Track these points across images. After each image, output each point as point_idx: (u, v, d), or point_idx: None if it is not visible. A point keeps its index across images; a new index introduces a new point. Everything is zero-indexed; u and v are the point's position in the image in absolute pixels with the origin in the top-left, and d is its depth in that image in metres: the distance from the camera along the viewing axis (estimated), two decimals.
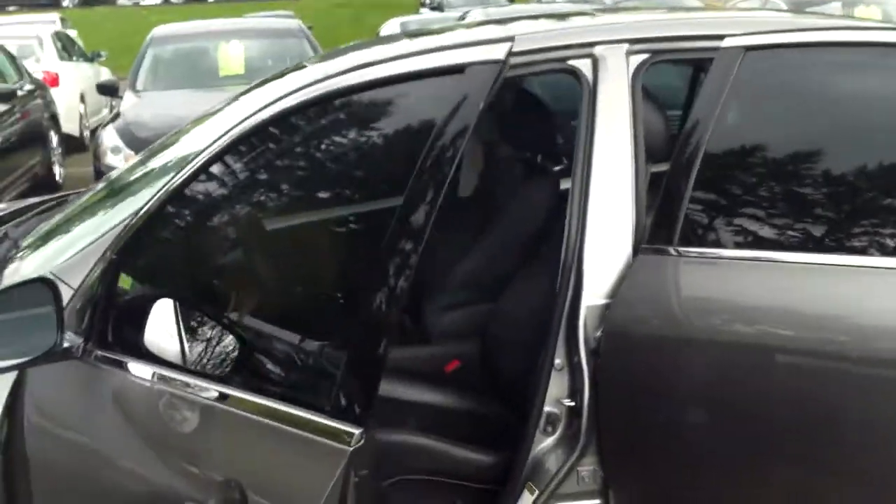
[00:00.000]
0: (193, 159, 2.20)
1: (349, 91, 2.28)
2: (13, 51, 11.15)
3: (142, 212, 2.13)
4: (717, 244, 2.22)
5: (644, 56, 2.33)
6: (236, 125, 2.23)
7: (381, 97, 2.31)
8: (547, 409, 2.33)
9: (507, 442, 2.49)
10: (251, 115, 2.25)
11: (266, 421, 2.04)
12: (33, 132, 9.37)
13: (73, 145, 11.38)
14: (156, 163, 2.49)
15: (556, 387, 2.32)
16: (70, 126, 11.54)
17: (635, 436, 2.23)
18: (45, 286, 1.91)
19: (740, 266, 2.18)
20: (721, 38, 2.27)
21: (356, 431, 2.03)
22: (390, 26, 12.72)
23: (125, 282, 2.12)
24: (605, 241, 2.26)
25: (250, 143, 2.27)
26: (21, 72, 9.91)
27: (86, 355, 2.02)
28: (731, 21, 2.43)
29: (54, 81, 11.65)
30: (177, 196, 2.18)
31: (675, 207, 2.21)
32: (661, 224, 2.23)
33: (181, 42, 8.72)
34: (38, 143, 9.49)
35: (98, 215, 2.36)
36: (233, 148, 2.23)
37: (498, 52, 2.21)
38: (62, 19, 18.49)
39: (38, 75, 11.20)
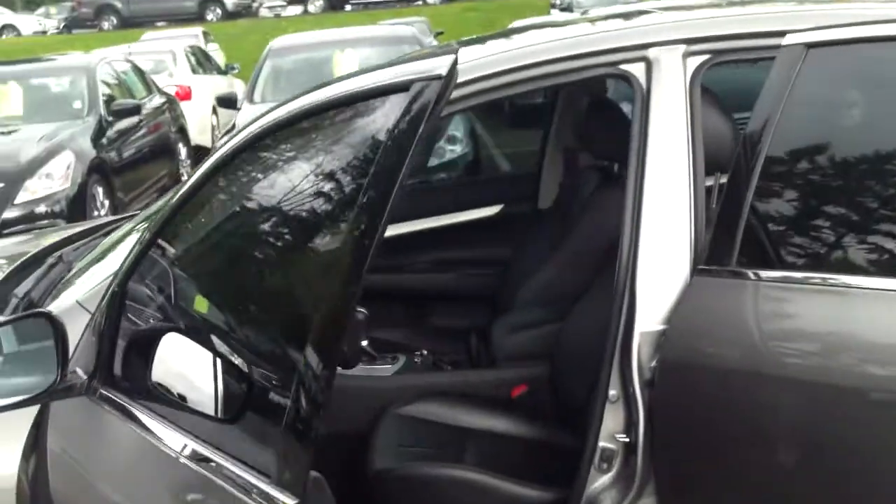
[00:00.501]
0: (184, 184, 2.14)
1: (305, 115, 2.18)
2: (149, 66, 11.55)
3: (145, 239, 2.07)
4: (781, 265, 2.00)
5: (703, 57, 2.13)
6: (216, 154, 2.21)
7: (339, 118, 2.18)
8: (602, 444, 2.16)
9: (569, 475, 2.33)
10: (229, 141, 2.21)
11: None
12: (162, 144, 9.66)
13: (204, 156, 11.63)
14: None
15: (612, 420, 2.14)
16: (202, 137, 11.86)
17: (695, 477, 2.03)
18: (45, 320, 1.86)
19: (811, 290, 1.95)
20: (782, 34, 2.04)
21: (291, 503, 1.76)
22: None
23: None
24: (661, 261, 2.07)
25: (227, 168, 2.22)
26: (150, 87, 10.21)
27: (90, 392, 1.95)
28: (795, 14, 2.19)
29: (187, 95, 11.98)
30: (168, 223, 2.11)
31: (734, 223, 1.99)
32: (719, 242, 2.03)
33: (298, 53, 8.80)
34: (166, 155, 9.79)
35: (129, 242, 2.31)
36: (212, 174, 2.18)
37: (441, 67, 1.92)
38: (205, 33, 19.11)
39: (172, 89, 11.54)
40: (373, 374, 2.89)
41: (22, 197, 7.15)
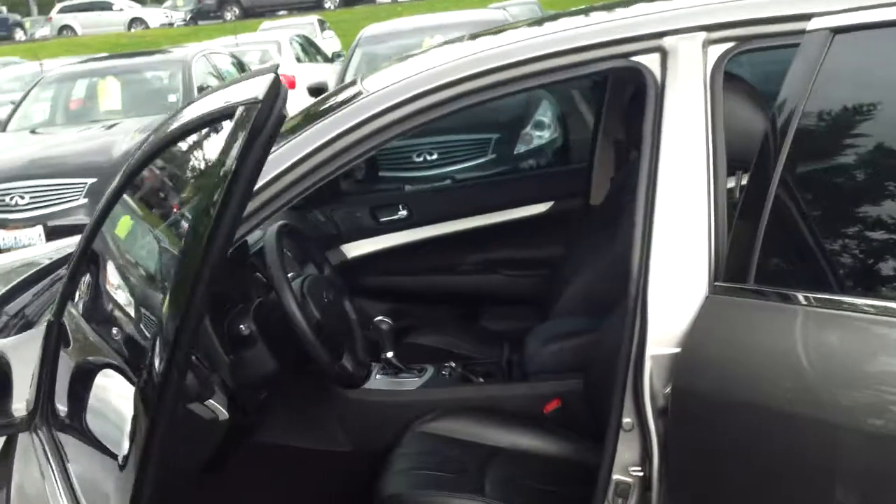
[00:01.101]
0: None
1: (160, 148, 2.01)
2: (256, 56, 11.63)
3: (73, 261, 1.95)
4: (805, 284, 1.74)
5: (726, 46, 1.90)
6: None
7: (183, 148, 2.02)
8: (616, 476, 1.96)
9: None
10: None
11: None
12: None
13: None
14: None
15: (628, 450, 1.94)
16: None
17: None
18: None
19: (847, 316, 1.65)
20: (808, 18, 1.79)
21: None
22: None
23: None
24: (675, 277, 1.85)
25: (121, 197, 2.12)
26: None
27: (33, 430, 1.84)
28: None
29: (291, 84, 12.03)
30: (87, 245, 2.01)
31: (752, 233, 1.75)
32: (737, 254, 1.80)
33: (388, 40, 8.68)
34: None
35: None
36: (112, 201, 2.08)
37: (258, 90, 1.59)
38: (320, 21, 19.21)
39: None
40: (397, 387, 2.73)
41: None
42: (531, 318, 3.07)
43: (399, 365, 2.76)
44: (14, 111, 8.93)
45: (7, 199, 7.10)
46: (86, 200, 7.00)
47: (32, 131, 8.49)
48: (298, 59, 13.11)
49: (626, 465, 1.94)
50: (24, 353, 1.93)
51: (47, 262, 2.55)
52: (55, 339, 1.92)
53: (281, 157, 1.97)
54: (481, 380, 2.78)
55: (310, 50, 14.09)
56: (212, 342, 2.23)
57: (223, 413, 2.15)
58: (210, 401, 2.13)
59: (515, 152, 5.71)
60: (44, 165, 7.32)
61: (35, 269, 2.45)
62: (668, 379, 1.81)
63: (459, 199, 3.55)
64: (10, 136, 8.39)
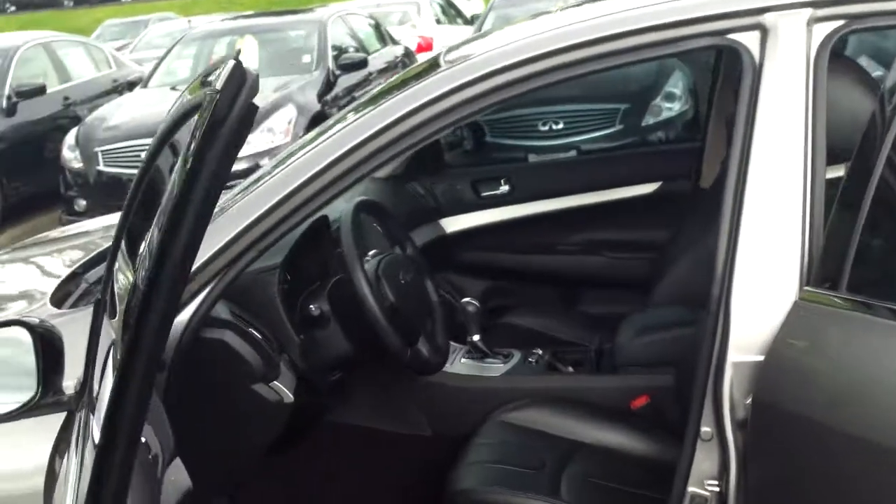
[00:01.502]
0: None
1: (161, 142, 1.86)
2: (396, 18, 11.62)
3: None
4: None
5: (834, 24, 1.71)
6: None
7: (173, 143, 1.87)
8: (691, 489, 1.83)
9: None
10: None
11: None
12: None
13: None
14: None
15: (706, 462, 1.81)
16: None
17: None
18: (22, 328, 1.72)
19: None
20: None
21: None
22: None
23: None
24: (763, 277, 1.70)
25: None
26: (385, 40, 10.25)
27: (79, 408, 1.81)
28: None
29: (429, 46, 11.98)
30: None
31: (848, 231, 1.58)
32: (831, 255, 1.62)
33: (522, 3, 8.52)
34: None
35: None
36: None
37: (217, 79, 1.44)
38: None
39: (415, 41, 11.56)
40: (481, 373, 2.63)
41: (244, 150, 7.28)
42: (632, 303, 2.91)
43: (485, 349, 2.66)
44: (156, 67, 9.16)
45: (143, 155, 7.27)
46: None
47: (173, 88, 8.68)
48: (438, 21, 13.03)
49: (702, 478, 1.81)
50: (83, 327, 1.91)
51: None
52: (100, 318, 1.90)
53: (363, 126, 1.90)
54: (570, 369, 2.65)
55: (449, 11, 13.99)
56: (282, 321, 2.17)
57: (288, 395, 2.09)
58: (275, 382, 2.08)
59: (644, 124, 5.50)
60: None
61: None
62: (750, 389, 1.67)
63: (563, 177, 3.40)
64: (151, 93, 8.60)
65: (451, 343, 2.75)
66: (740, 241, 1.73)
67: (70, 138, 7.75)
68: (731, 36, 1.78)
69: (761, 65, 1.74)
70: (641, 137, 5.41)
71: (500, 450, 2.36)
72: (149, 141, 6.73)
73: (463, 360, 2.68)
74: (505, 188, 3.32)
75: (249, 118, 1.26)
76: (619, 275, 3.25)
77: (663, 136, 5.42)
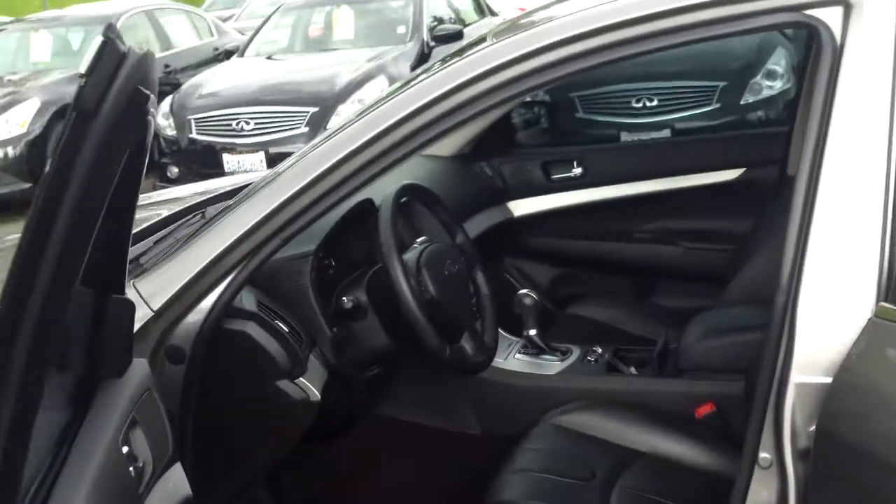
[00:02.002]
0: None
1: None
2: None
3: None
4: None
5: None
6: None
7: None
8: None
9: None
10: None
11: None
12: None
13: None
14: None
15: (764, 490, 1.63)
16: None
17: None
18: None
19: None
20: None
21: None
22: None
23: None
24: (833, 288, 1.50)
25: None
26: (483, 10, 10.05)
27: None
28: None
29: None
30: None
31: None
32: None
33: None
34: None
35: None
36: None
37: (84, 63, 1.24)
38: None
39: (516, 12, 11.31)
40: (536, 370, 2.46)
41: (333, 122, 7.21)
42: (708, 297, 2.70)
43: (541, 344, 2.49)
44: (253, 37, 9.13)
45: (234, 124, 7.27)
46: (306, 129, 7.06)
47: (268, 57, 8.65)
48: None
49: None
50: None
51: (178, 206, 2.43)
52: None
53: (409, 100, 1.75)
54: (632, 369, 2.46)
55: None
56: (313, 312, 2.04)
57: (315, 394, 1.97)
58: (301, 379, 1.95)
59: (742, 102, 5.24)
60: (271, 92, 7.43)
61: (164, 215, 2.33)
62: (814, 414, 1.49)
63: (639, 160, 3.18)
64: (246, 62, 8.59)
65: (507, 336, 2.59)
66: (810, 245, 1.54)
67: (165, 106, 7.80)
68: (810, 12, 1.58)
69: (843, 45, 1.55)
70: (741, 116, 5.16)
71: (549, 457, 2.19)
72: (241, 110, 6.74)
73: (517, 355, 2.52)
74: (577, 171, 3.12)
75: (136, 107, 1.09)
76: (694, 267, 3.04)
77: (763, 116, 5.17)
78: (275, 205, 1.75)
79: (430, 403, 2.56)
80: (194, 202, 2.39)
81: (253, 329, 1.88)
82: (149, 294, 1.74)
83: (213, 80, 8.05)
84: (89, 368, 1.40)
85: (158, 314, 1.73)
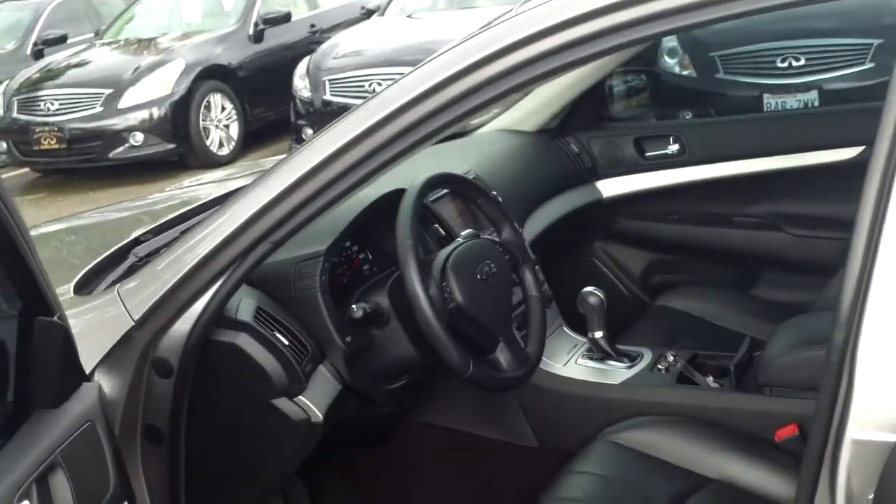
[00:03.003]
0: None
1: None
2: None
3: None
4: None
5: None
6: None
7: None
8: None
9: None
10: None
11: None
12: None
13: None
14: None
15: None
16: None
17: None
18: None
19: None
20: None
21: None
22: None
23: None
24: None
25: None
26: None
27: None
28: None
29: None
30: None
31: None
32: None
33: None
34: None
35: None
36: None
37: None
38: None
39: None
40: (599, 378, 2.20)
41: None
42: (816, 291, 2.38)
43: (607, 348, 2.22)
44: None
45: (367, 85, 7.17)
46: None
47: (409, 16, 8.48)
48: None
49: None
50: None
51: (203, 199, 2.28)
52: None
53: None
54: (710, 379, 2.17)
55: None
56: (323, 320, 1.84)
57: (316, 414, 1.78)
58: (301, 397, 1.77)
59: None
60: (407, 53, 7.25)
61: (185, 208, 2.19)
62: (873, 478, 1.25)
63: (743, 136, 2.85)
64: (386, 22, 8.44)
65: (574, 336, 2.35)
66: (876, 270, 1.24)
67: (301, 67, 7.76)
68: None
69: None
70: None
71: (601, 481, 1.95)
72: (375, 71, 6.70)
73: (580, 360, 2.27)
74: (674, 147, 2.83)
75: None
76: (802, 256, 2.74)
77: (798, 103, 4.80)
78: (263, 203, 1.56)
79: (474, 410, 2.34)
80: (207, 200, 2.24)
81: (245, 341, 1.71)
82: (131, 302, 1.60)
83: (350, 41, 7.96)
84: (16, 398, 1.27)
85: (140, 323, 1.58)
